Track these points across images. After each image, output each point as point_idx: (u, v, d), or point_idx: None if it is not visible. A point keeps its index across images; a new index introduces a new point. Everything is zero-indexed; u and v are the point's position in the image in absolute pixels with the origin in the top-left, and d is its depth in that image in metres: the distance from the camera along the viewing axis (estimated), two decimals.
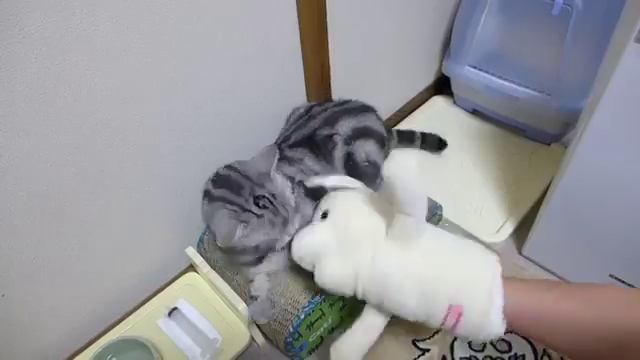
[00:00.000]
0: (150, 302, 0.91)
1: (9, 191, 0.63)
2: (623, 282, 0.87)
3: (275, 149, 0.73)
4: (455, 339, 0.82)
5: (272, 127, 0.92)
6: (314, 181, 0.71)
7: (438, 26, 1.28)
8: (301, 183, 0.75)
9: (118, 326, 0.87)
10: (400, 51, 1.21)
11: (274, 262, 0.78)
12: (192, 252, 0.91)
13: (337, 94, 1.04)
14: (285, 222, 0.71)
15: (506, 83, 1.18)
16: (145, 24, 0.65)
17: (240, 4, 0.75)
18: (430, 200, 1.04)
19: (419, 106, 1.40)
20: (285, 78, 0.93)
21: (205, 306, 0.90)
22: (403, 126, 1.34)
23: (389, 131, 1.05)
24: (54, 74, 0.59)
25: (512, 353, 0.81)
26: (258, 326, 0.87)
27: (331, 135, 0.85)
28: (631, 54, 0.64)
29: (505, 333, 0.54)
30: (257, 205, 0.69)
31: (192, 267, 0.96)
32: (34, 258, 0.71)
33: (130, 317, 0.89)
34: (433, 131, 1.19)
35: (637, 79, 0.66)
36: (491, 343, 0.81)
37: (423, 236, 0.60)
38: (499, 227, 1.06)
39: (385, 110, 1.30)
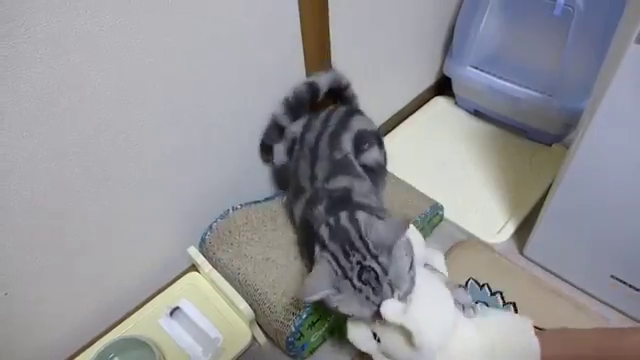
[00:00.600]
0: (152, 301, 0.92)
1: (13, 190, 0.63)
2: (624, 283, 0.87)
3: (407, 223, 0.64)
4: None
5: None
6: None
7: (439, 27, 1.28)
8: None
9: (120, 325, 0.88)
10: (401, 52, 1.21)
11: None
12: (194, 252, 0.91)
13: None
14: (383, 299, 0.63)
15: (507, 84, 1.18)
16: (148, 24, 0.65)
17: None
18: (431, 200, 1.04)
19: (420, 107, 1.40)
20: (287, 82, 0.93)
21: (207, 306, 0.90)
22: (404, 127, 1.35)
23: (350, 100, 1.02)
24: (58, 74, 0.60)
25: None
26: (260, 326, 0.88)
27: (345, 156, 0.84)
28: (631, 55, 0.64)
29: None
30: (360, 278, 0.62)
31: (194, 267, 0.96)
32: (37, 257, 0.71)
33: (132, 316, 0.89)
34: (433, 132, 1.18)
35: (638, 80, 0.66)
36: None
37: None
38: (500, 228, 1.07)
39: (386, 111, 1.30)
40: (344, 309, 0.64)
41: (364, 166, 0.86)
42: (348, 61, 1.02)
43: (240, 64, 0.81)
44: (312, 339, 0.84)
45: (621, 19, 0.70)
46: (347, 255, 0.63)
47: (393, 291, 0.62)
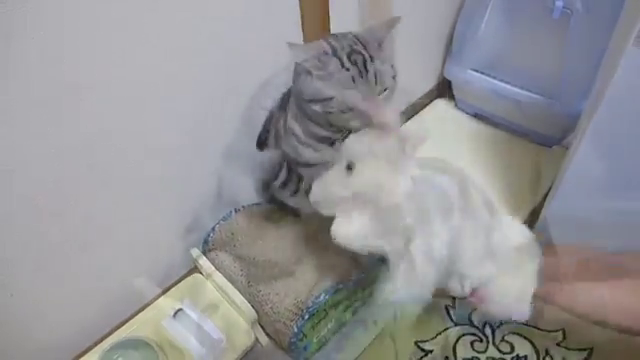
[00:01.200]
0: (155, 303, 0.92)
1: (15, 191, 0.64)
2: None
3: (395, 21, 0.67)
4: (458, 340, 0.83)
5: None
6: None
7: (439, 29, 1.29)
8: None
9: (123, 327, 0.88)
10: (401, 55, 1.21)
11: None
12: (197, 253, 0.92)
13: None
14: (368, 89, 0.64)
15: (508, 86, 1.18)
16: (149, 23, 0.66)
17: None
18: None
19: (420, 110, 1.41)
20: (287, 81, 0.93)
21: (209, 307, 0.91)
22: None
23: None
24: (59, 74, 0.60)
25: (514, 354, 0.82)
26: (262, 327, 0.88)
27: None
28: (629, 57, 0.65)
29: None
30: (349, 58, 0.62)
31: (196, 268, 0.96)
32: (40, 259, 0.71)
33: (135, 318, 0.90)
34: (433, 135, 1.17)
35: (636, 82, 0.67)
36: (493, 344, 0.82)
37: None
38: None
39: None
40: (326, 89, 0.62)
41: None
42: None
43: (241, 67, 0.82)
44: (314, 340, 0.85)
45: (618, 22, 0.71)
46: (337, 39, 0.64)
47: (377, 82, 0.64)
